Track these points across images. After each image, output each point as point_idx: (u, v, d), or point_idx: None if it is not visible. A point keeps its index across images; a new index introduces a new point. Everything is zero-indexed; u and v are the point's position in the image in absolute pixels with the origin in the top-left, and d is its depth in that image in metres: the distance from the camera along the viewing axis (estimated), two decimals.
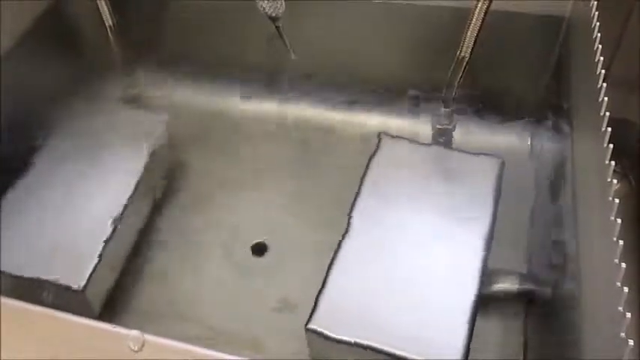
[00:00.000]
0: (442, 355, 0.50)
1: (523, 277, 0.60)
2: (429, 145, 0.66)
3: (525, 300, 0.60)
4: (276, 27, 0.75)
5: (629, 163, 0.73)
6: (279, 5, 0.71)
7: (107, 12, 0.81)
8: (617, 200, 0.39)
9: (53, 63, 0.79)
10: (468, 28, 0.60)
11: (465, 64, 0.61)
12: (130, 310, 0.63)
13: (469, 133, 0.72)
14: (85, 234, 0.61)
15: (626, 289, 0.35)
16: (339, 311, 0.53)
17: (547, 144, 0.69)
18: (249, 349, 0.59)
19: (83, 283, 0.57)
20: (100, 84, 0.82)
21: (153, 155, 0.68)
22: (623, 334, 0.34)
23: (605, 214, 0.40)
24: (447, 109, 0.65)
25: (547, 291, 0.57)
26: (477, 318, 0.53)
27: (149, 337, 0.33)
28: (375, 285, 0.55)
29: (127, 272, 0.65)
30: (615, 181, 0.52)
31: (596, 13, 0.53)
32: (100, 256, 0.59)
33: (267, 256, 0.67)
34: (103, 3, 0.80)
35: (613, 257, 0.37)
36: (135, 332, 0.33)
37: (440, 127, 0.66)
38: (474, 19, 0.59)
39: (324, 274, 0.56)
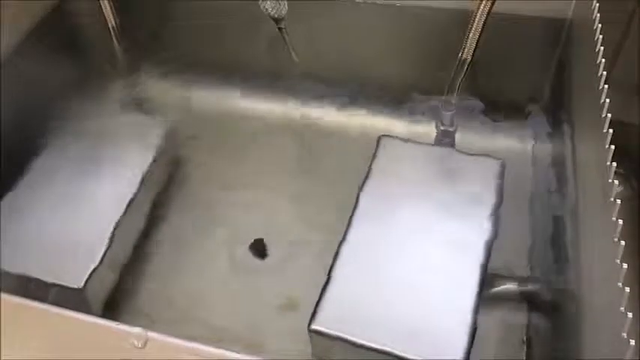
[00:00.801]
0: (444, 355, 0.50)
1: (524, 278, 0.60)
2: (430, 146, 0.66)
3: (527, 301, 0.60)
4: (279, 28, 0.76)
5: (631, 166, 0.73)
6: (281, 6, 0.72)
7: (110, 13, 0.82)
8: (618, 201, 0.39)
9: (56, 63, 0.80)
10: (470, 30, 0.61)
11: (466, 66, 0.62)
12: (130, 310, 0.63)
13: (472, 134, 0.72)
14: (86, 234, 0.61)
15: (627, 290, 0.35)
16: (341, 312, 0.54)
17: (549, 146, 0.69)
18: (251, 349, 0.59)
19: (83, 282, 0.58)
20: (102, 85, 0.82)
21: (155, 156, 0.68)
22: (624, 335, 0.34)
23: (607, 215, 0.40)
24: (449, 111, 0.65)
25: (548, 292, 0.57)
26: (479, 318, 0.53)
27: (152, 335, 0.33)
28: (377, 286, 0.55)
29: (127, 272, 0.65)
30: (617, 182, 0.52)
31: (598, 15, 0.53)
32: (101, 256, 0.60)
33: (268, 256, 0.67)
34: (106, 3, 0.81)
35: (614, 258, 0.37)
36: (137, 329, 0.33)
37: (442, 128, 0.67)
38: (475, 22, 0.60)
39: (326, 275, 0.56)
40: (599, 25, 0.52)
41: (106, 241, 0.61)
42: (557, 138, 0.65)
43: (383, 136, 0.67)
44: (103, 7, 0.81)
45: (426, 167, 0.64)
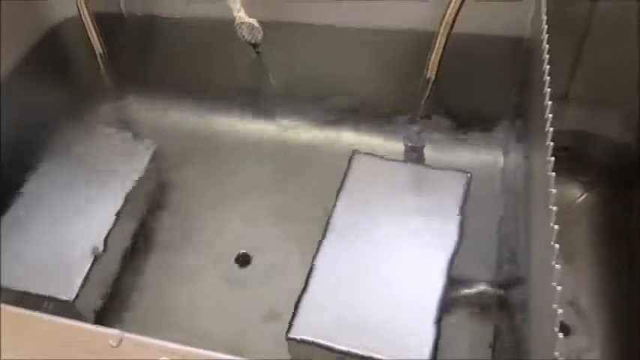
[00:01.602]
0: (412, 355, 0.53)
1: (490, 283, 0.63)
2: (400, 162, 0.69)
3: (493, 304, 0.63)
4: (257, 52, 0.79)
5: (596, 175, 0.76)
6: (256, 33, 0.75)
7: (97, 41, 0.84)
8: (554, 208, 0.42)
9: (45, 90, 0.83)
10: (432, 50, 0.64)
11: (430, 84, 0.64)
12: (122, 321, 0.66)
13: (441, 150, 0.74)
14: (76, 250, 0.64)
15: (559, 288, 0.38)
16: (316, 320, 0.57)
17: (515, 159, 0.72)
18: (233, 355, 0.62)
19: (74, 295, 0.60)
20: (90, 109, 0.84)
21: (141, 176, 0.70)
22: (556, 329, 0.37)
23: (546, 222, 0.43)
24: (416, 128, 0.68)
25: (510, 296, 0.60)
26: (448, 321, 0.56)
27: (127, 335, 0.36)
28: (350, 292, 0.58)
29: (118, 285, 0.68)
30: (581, 190, 0.55)
31: (546, 35, 0.55)
32: (90, 269, 0.62)
33: (252, 268, 0.69)
34: (93, 32, 0.83)
35: (550, 260, 0.40)
36: (115, 330, 0.36)
37: (410, 144, 0.69)
38: (437, 42, 0.63)
39: (303, 284, 0.59)
40: (547, 46, 0.54)
41: (95, 256, 0.63)
42: (520, 152, 0.68)
43: (355, 152, 0.69)
44: (90, 36, 0.84)
45: (396, 181, 0.66)
